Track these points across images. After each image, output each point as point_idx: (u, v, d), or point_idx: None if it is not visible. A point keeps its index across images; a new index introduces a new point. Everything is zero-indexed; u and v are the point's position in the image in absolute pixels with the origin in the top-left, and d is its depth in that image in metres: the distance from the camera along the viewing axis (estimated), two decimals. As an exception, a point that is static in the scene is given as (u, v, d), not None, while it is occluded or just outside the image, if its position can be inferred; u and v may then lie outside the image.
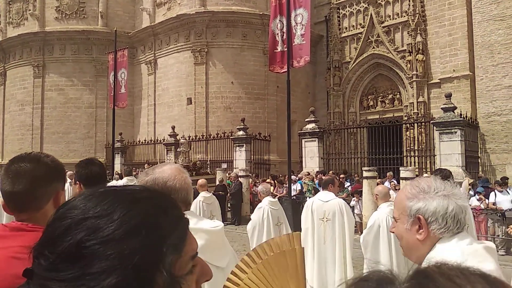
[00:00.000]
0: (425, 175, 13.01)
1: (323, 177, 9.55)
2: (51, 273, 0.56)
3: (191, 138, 20.26)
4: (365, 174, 11.72)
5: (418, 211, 1.43)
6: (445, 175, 4.31)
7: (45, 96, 24.85)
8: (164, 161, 20.14)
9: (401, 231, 1.49)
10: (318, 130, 16.73)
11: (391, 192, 12.21)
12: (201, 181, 7.92)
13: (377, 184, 11.76)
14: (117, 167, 20.73)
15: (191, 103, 22.06)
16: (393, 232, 1.57)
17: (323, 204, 5.59)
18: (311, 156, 16.67)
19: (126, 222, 0.58)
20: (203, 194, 7.59)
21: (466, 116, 15.10)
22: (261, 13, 21.45)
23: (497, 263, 1.39)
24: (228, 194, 14.42)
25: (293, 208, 10.92)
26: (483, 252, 1.37)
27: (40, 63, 25.01)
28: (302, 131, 17.09)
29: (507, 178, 11.76)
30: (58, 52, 24.99)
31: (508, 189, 10.40)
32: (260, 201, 6.65)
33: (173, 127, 20.31)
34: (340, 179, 13.77)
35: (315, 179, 14.19)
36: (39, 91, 24.89)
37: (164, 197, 0.68)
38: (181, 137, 17.99)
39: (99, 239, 0.56)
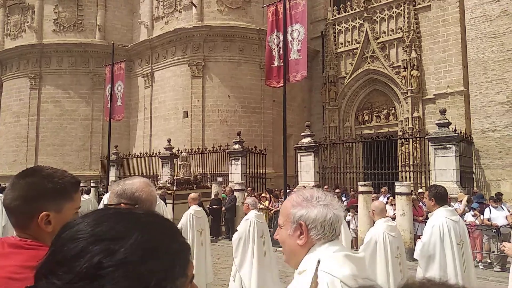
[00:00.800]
0: (420, 190, 13.05)
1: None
2: None
3: (187, 151, 20.24)
4: (360, 189, 11.74)
5: (301, 217, 1.52)
6: (440, 192, 4.35)
7: (41, 108, 24.82)
8: (159, 174, 20.09)
9: (284, 236, 1.58)
10: (313, 144, 16.78)
11: (388, 207, 12.24)
12: (193, 194, 7.96)
13: (373, 199, 11.78)
14: (112, 180, 20.63)
15: (187, 116, 22.10)
16: (277, 239, 1.64)
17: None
18: (306, 170, 16.69)
19: (143, 245, 0.60)
20: (194, 208, 7.61)
21: (461, 132, 15.22)
22: (258, 28, 21.68)
23: (361, 270, 1.46)
24: (223, 208, 14.35)
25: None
26: (343, 259, 1.45)
27: (37, 75, 25.04)
28: (298, 145, 17.14)
29: (502, 194, 11.81)
30: (55, 64, 25.06)
31: (502, 205, 10.43)
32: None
33: (169, 140, 20.30)
34: (336, 194, 13.77)
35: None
36: (35, 102, 24.87)
37: (170, 223, 0.70)
38: (183, 150, 17.93)
39: (116, 261, 0.58)
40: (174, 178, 14.92)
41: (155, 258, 0.60)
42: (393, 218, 11.54)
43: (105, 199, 11.58)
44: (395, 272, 4.63)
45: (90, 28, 25.25)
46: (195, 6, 22.17)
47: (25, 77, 25.28)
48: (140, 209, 0.73)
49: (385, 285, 4.53)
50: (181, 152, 18.38)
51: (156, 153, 21.38)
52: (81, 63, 24.99)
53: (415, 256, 4.49)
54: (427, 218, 11.18)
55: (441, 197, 4.31)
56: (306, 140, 16.88)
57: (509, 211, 10.16)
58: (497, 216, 10.14)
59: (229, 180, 17.23)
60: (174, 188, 14.08)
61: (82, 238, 0.61)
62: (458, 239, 4.24)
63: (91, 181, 20.61)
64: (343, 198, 14.18)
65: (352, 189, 15.73)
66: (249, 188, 16.42)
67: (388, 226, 4.84)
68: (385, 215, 5.02)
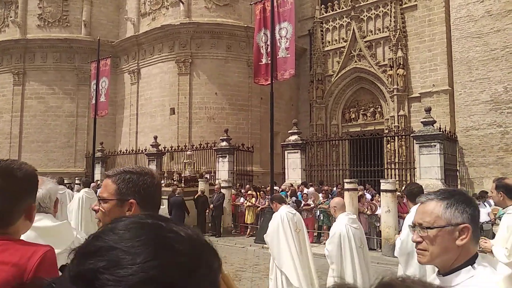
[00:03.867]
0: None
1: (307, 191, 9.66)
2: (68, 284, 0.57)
3: (173, 148, 20.13)
4: (346, 186, 11.82)
5: None
6: (412, 190, 4.49)
7: (25, 104, 24.42)
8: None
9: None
10: (300, 142, 16.83)
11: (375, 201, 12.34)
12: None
13: (360, 195, 11.89)
14: (97, 177, 20.43)
15: (174, 113, 21.97)
16: None
17: (293, 216, 5.85)
18: (293, 167, 16.74)
19: (145, 271, 0.55)
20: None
21: (445, 130, 15.43)
22: (245, 25, 21.64)
23: None
24: (211, 206, 14.31)
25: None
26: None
27: (21, 71, 24.62)
28: (285, 143, 17.18)
29: (486, 192, 11.99)
30: (40, 60, 24.66)
31: (485, 202, 10.61)
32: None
33: (155, 137, 20.16)
34: (324, 190, 13.85)
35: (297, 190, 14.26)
36: (18, 99, 24.45)
37: (201, 253, 0.63)
38: (190, 147, 17.93)
39: (114, 275, 0.54)
40: (182, 175, 15.35)
41: None
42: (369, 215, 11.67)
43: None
44: (361, 262, 4.86)
45: (75, 24, 24.90)
46: (183, 3, 22.02)
47: (8, 73, 24.82)
48: (183, 229, 0.64)
49: (352, 275, 4.76)
50: (188, 150, 18.33)
51: (142, 150, 21.21)
52: (66, 59, 24.63)
53: (395, 253, 4.56)
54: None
55: (413, 196, 4.34)
56: (293, 137, 16.93)
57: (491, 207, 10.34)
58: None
59: (216, 178, 17.19)
60: (183, 185, 14.60)
61: (105, 239, 0.59)
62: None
63: (76, 178, 20.38)
64: (330, 196, 14.25)
65: (339, 184, 15.84)
66: (237, 186, 16.44)
67: (350, 219, 5.10)
68: (345, 210, 5.29)
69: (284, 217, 5.70)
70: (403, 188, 5.16)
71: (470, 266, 1.49)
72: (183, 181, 14.95)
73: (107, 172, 1.69)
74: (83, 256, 0.57)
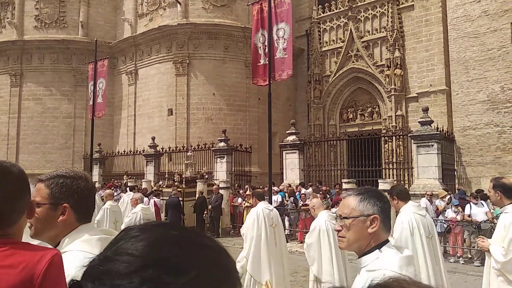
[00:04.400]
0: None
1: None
2: None
3: (171, 149, 20.11)
4: (344, 186, 11.85)
5: None
6: (401, 190, 4.65)
7: (22, 106, 24.36)
8: (144, 172, 19.93)
9: None
10: (298, 142, 16.85)
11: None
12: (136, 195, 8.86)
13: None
14: (95, 178, 20.39)
15: (172, 114, 21.96)
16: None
17: (269, 212, 6.22)
18: (291, 168, 16.75)
19: None
20: (110, 203, 8.48)
21: (443, 130, 15.47)
22: (243, 26, 21.64)
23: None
24: (210, 207, 14.30)
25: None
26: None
27: (18, 72, 24.56)
28: (283, 143, 17.19)
29: (482, 191, 12.03)
30: (37, 61, 24.61)
31: (482, 202, 10.64)
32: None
33: (153, 138, 20.14)
34: (322, 191, 13.86)
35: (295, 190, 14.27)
36: (16, 100, 24.39)
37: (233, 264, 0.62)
38: (190, 149, 17.94)
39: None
40: (183, 176, 15.50)
41: None
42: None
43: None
44: (338, 256, 5.13)
45: (72, 25, 24.86)
46: (180, 4, 22.01)
47: (5, 74, 24.77)
48: (208, 246, 0.63)
49: (329, 269, 5.05)
50: (188, 152, 18.38)
51: (140, 151, 21.19)
52: (63, 60, 24.58)
53: (499, 258, 4.54)
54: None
55: (404, 195, 4.45)
56: (291, 138, 16.95)
57: (489, 208, 10.37)
58: (477, 212, 10.35)
59: (214, 178, 17.19)
60: (184, 186, 14.70)
61: (136, 255, 0.57)
62: (427, 233, 4.36)
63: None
64: (328, 196, 14.27)
65: (338, 184, 15.86)
66: (236, 186, 16.44)
67: (329, 216, 5.41)
68: (323, 209, 5.64)
69: (260, 213, 6.04)
70: (389, 190, 5.21)
71: (377, 250, 1.77)
72: (184, 182, 15.06)
73: (40, 177, 1.67)
74: (113, 274, 0.56)
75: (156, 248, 0.57)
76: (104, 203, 8.59)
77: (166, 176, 17.60)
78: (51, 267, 1.26)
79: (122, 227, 6.90)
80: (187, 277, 0.54)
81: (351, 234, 1.81)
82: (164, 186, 16.11)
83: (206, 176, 16.68)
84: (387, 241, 1.83)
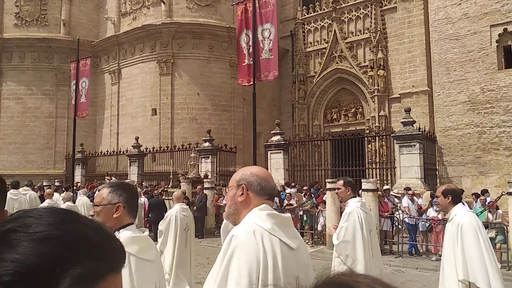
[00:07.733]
0: (385, 186, 13.39)
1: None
2: None
3: (155, 149, 19.96)
4: (328, 185, 11.92)
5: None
6: (352, 183, 5.21)
7: (2, 105, 23.87)
8: (127, 173, 19.74)
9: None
10: (283, 142, 16.90)
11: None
12: (177, 193, 7.91)
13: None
14: (78, 179, 20.11)
15: (156, 114, 21.79)
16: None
17: (184, 217, 6.78)
18: (276, 168, 16.80)
19: (50, 230, 0.62)
20: (180, 206, 7.97)
21: (425, 130, 15.72)
22: (227, 26, 21.61)
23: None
24: (194, 207, 14.23)
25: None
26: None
27: (-3, 71, 24.06)
28: (268, 143, 17.22)
29: (463, 191, 12.26)
30: (17, 59, 24.14)
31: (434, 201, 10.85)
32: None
33: (136, 138, 19.96)
34: (305, 191, 13.94)
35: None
36: (-5, 99, 23.89)
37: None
38: (192, 149, 17.85)
39: (24, 232, 0.62)
40: (186, 177, 15.78)
41: (48, 245, 0.61)
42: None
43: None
44: (181, 242, 6.02)
45: (54, 23, 24.46)
46: (164, 3, 21.87)
47: (-15, 73, 24.24)
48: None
49: (170, 252, 5.99)
50: (150, 151, 18.31)
51: (123, 151, 20.98)
52: (44, 58, 24.16)
53: (333, 242, 5.00)
54: (392, 213, 11.48)
55: (354, 187, 5.08)
56: (275, 138, 16.99)
57: (470, 207, 10.56)
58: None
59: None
60: (191, 187, 15.05)
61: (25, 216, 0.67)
62: (367, 228, 4.87)
63: (56, 180, 20.00)
64: (312, 195, 14.36)
65: (317, 183, 16.11)
66: (220, 187, 16.41)
67: (181, 208, 6.39)
68: (181, 201, 6.72)
69: (177, 215, 6.67)
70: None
71: (117, 231, 2.15)
72: (191, 182, 15.44)
73: (102, 185, 2.02)
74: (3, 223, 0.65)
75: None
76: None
77: (171, 176, 17.87)
78: None
79: None
80: (39, 234, 0.61)
81: (100, 219, 2.17)
82: (164, 186, 16.46)
83: (209, 176, 16.63)
84: (130, 224, 2.25)
